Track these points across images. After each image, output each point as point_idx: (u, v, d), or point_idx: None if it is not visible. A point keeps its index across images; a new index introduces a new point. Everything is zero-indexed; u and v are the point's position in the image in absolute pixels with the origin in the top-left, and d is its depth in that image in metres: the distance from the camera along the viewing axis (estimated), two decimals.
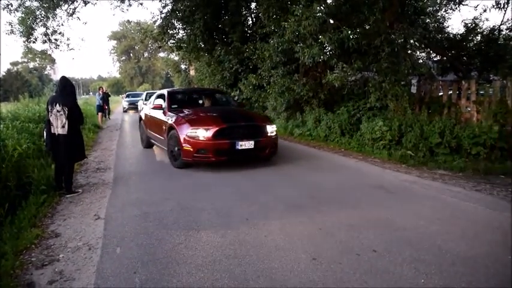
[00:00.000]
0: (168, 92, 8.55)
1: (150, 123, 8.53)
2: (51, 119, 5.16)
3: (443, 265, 2.99)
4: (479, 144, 6.69)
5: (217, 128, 6.34)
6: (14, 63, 69.14)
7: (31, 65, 71.57)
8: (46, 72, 74.50)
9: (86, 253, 3.36)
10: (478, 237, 3.57)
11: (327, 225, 3.90)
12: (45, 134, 5.44)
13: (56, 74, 71.61)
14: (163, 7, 15.67)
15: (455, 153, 6.89)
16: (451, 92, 8.53)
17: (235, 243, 3.45)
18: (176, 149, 6.69)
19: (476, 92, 7.77)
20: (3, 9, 12.73)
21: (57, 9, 13.38)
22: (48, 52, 15.58)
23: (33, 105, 12.24)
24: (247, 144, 6.46)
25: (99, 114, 16.07)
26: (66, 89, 5.38)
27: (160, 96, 8.74)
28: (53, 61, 58.27)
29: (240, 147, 6.40)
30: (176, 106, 7.81)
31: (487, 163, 6.36)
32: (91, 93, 69.12)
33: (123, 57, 70.20)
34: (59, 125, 5.14)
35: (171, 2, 15.49)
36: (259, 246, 3.39)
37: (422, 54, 12.17)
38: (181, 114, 7.07)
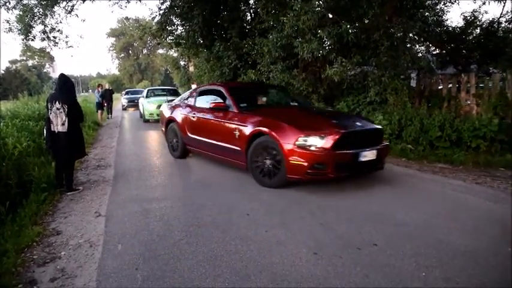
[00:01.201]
0: (229, 87, 6.65)
1: (199, 127, 6.62)
2: (51, 116, 5.16)
3: (444, 258, 3.00)
4: (479, 137, 6.69)
5: (338, 135, 4.75)
6: (12, 61, 68.93)
7: (30, 62, 71.33)
8: (45, 70, 74.23)
9: (88, 250, 3.37)
10: (478, 230, 3.58)
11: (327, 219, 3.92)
12: (45, 132, 5.44)
13: (55, 72, 71.25)
14: (162, 3, 15.60)
15: (455, 147, 6.89)
16: (450, 85, 8.52)
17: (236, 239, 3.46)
18: (268, 163, 5.11)
19: (476, 85, 7.77)
20: (1, 6, 12.70)
21: (55, 7, 13.33)
22: (47, 50, 15.52)
23: (33, 103, 12.24)
24: (371, 155, 4.98)
25: (99, 111, 16.05)
26: (66, 87, 5.37)
27: (208, 92, 6.99)
28: (51, 59, 58.00)
29: (363, 159, 4.91)
30: (245, 105, 6.16)
31: (487, 156, 6.37)
32: (90, 90, 68.99)
33: (122, 54, 69.98)
34: (59, 122, 5.14)
35: None
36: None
37: (422, 47, 12.13)
38: (270, 117, 5.47)
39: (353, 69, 8.95)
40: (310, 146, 4.73)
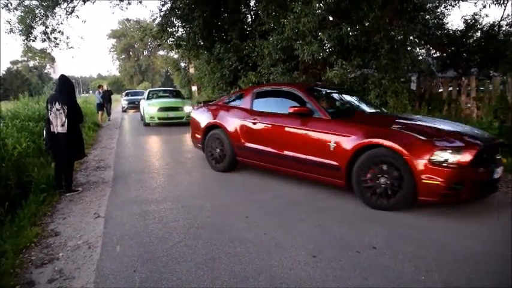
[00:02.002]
0: (307, 88, 5.66)
1: (263, 136, 5.59)
2: (50, 117, 5.16)
3: (444, 262, 2.99)
4: None
5: (476, 149, 4.01)
6: (13, 62, 69.06)
7: (31, 63, 71.39)
8: (46, 71, 74.35)
9: (86, 252, 3.36)
10: (478, 233, 3.57)
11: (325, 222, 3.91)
12: (45, 133, 5.44)
13: (55, 73, 71.39)
14: (163, 5, 15.64)
15: None
16: (451, 88, 8.53)
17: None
18: (383, 181, 4.21)
19: (476, 88, 7.78)
20: (3, 7, 12.73)
21: (56, 8, 13.37)
22: (48, 51, 15.60)
23: (33, 104, 12.24)
24: (500, 171, 4.30)
25: (100, 112, 15.98)
26: (66, 88, 5.36)
27: (271, 94, 6.08)
28: (52, 60, 58.03)
29: (496, 176, 4.23)
30: (333, 111, 5.28)
31: None
32: (91, 91, 69.06)
33: (123, 56, 70.06)
34: (59, 123, 5.14)
35: (170, 0, 15.46)
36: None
37: (422, 50, 12.15)
38: (380, 125, 4.72)
39: (353, 71, 8.96)
40: (446, 162, 3.90)
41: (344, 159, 4.48)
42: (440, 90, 8.76)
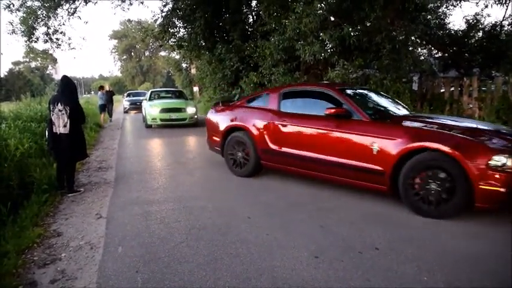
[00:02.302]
0: (340, 88, 5.35)
1: (294, 138, 5.26)
2: (53, 118, 5.17)
3: (445, 263, 2.98)
4: None
5: None
6: (15, 63, 69.25)
7: (33, 64, 71.57)
8: (48, 72, 74.52)
9: (88, 252, 3.37)
10: (480, 234, 3.56)
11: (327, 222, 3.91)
12: (47, 134, 5.45)
13: (57, 74, 71.53)
14: (164, 6, 15.66)
15: None
16: (452, 88, 8.52)
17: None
18: (434, 187, 3.96)
19: (478, 89, 7.77)
20: (5, 9, 12.77)
21: (58, 9, 13.43)
22: (50, 51, 15.66)
23: (35, 105, 12.26)
24: None
25: (102, 113, 15.92)
26: (68, 89, 5.37)
27: (301, 94, 5.77)
28: (54, 60, 58.14)
29: None
30: (371, 112, 4.96)
31: None
32: (92, 92, 69.20)
33: (124, 56, 70.17)
34: (61, 124, 5.15)
35: (171, 1, 15.48)
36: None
37: (424, 50, 12.16)
38: (426, 127, 4.45)
39: (355, 72, 8.97)
40: (504, 165, 3.65)
41: (389, 164, 4.22)
42: (442, 91, 8.75)
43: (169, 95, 16.59)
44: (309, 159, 5.05)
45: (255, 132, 5.71)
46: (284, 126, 5.37)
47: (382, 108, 5.41)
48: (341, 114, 4.74)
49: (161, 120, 13.26)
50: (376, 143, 4.34)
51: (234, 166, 6.09)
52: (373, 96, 5.86)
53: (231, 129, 6.13)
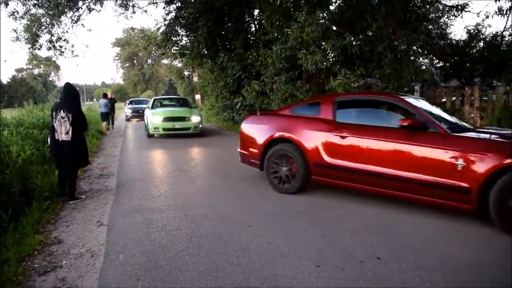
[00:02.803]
0: (407, 99, 5.05)
1: (357, 151, 4.79)
2: (55, 125, 5.19)
3: (448, 272, 2.97)
4: None
5: None
6: (19, 70, 69.56)
7: (36, 71, 71.97)
8: (50, 79, 74.87)
9: (89, 260, 3.36)
10: (481, 243, 3.54)
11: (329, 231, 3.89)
12: (49, 140, 5.47)
13: (60, 81, 71.98)
14: (167, 14, 15.83)
15: None
16: (454, 98, 8.53)
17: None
18: None
19: (480, 98, 7.77)
20: (9, 16, 12.89)
21: (62, 17, 13.58)
22: (53, 59, 15.77)
23: (38, 112, 12.30)
24: None
25: (104, 122, 15.81)
26: (71, 96, 5.40)
27: (360, 104, 5.48)
28: (57, 67, 58.57)
29: None
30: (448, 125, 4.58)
31: None
32: (95, 99, 69.40)
33: (127, 64, 70.49)
34: (63, 131, 5.17)
35: (174, 9, 15.64)
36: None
37: (425, 60, 12.21)
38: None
39: (357, 81, 9.00)
40: None
41: (476, 181, 3.86)
42: (443, 100, 8.76)
43: (173, 103, 15.88)
44: (375, 174, 4.60)
45: (305, 144, 5.19)
46: (343, 138, 4.89)
47: (450, 120, 5.05)
48: (416, 126, 4.39)
49: (164, 129, 12.58)
50: (462, 158, 3.98)
51: (277, 182, 5.51)
52: (428, 105, 5.34)
53: (273, 141, 5.59)
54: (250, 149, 5.98)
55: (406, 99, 4.88)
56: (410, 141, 4.35)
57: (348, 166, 4.83)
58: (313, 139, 5.15)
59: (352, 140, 4.84)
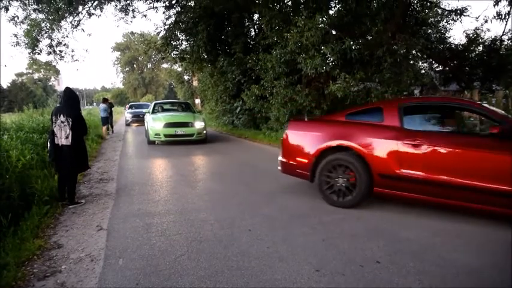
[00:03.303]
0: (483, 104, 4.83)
1: (433, 162, 4.39)
2: (55, 129, 5.19)
3: (448, 276, 2.96)
4: None
5: None
6: (19, 74, 69.68)
7: (36, 75, 72.13)
8: (50, 83, 75.01)
9: (88, 264, 3.35)
10: (484, 248, 3.54)
11: (329, 235, 3.89)
12: (49, 145, 5.47)
13: (60, 85, 72.17)
14: (167, 19, 15.89)
15: None
16: None
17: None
18: None
19: (479, 102, 7.77)
20: (9, 21, 12.94)
21: (62, 21, 13.62)
22: (53, 63, 15.79)
23: (37, 116, 12.31)
24: None
25: (104, 127, 15.81)
26: (71, 100, 5.40)
27: (430, 109, 5.16)
28: (57, 72, 58.78)
29: None
30: None
31: None
32: (94, 103, 69.50)
33: (127, 68, 70.68)
34: (63, 135, 5.17)
35: (174, 14, 15.70)
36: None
37: (425, 64, 12.25)
38: None
39: (356, 85, 9.01)
40: None
41: None
42: None
43: (175, 108, 15.12)
44: (455, 187, 4.19)
45: (369, 153, 4.71)
46: (417, 146, 4.46)
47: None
48: (506, 135, 4.03)
49: (165, 135, 11.77)
50: None
51: (332, 194, 4.99)
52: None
53: (327, 150, 5.05)
54: (298, 159, 5.38)
55: (487, 106, 4.60)
56: (501, 150, 3.99)
57: (421, 177, 4.39)
58: (378, 148, 4.69)
59: (427, 149, 4.41)
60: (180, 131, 11.79)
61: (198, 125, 12.13)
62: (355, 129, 4.99)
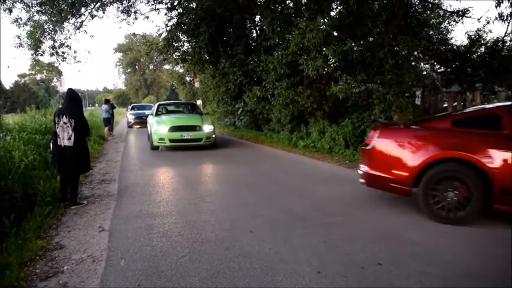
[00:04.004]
0: None
1: None
2: (57, 130, 5.21)
3: (450, 279, 2.96)
4: None
5: None
6: (21, 75, 69.83)
7: (38, 77, 72.30)
8: (53, 84, 75.20)
9: (90, 265, 3.36)
10: (486, 250, 3.53)
11: (331, 237, 3.89)
12: (51, 146, 5.49)
13: (62, 86, 72.34)
14: (169, 20, 15.92)
15: None
16: (455, 103, 8.54)
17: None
18: None
19: (481, 103, 7.77)
20: (12, 23, 12.99)
21: (65, 23, 13.67)
22: (55, 64, 15.83)
23: (40, 117, 12.34)
24: None
25: (107, 127, 15.82)
26: (73, 101, 5.43)
27: None
28: (59, 73, 58.86)
29: None
30: None
31: None
32: (96, 104, 69.62)
33: (129, 70, 70.76)
34: (65, 136, 5.19)
35: (176, 16, 15.73)
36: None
37: (426, 65, 12.22)
38: None
39: (358, 86, 9.01)
40: None
41: None
42: (445, 105, 8.77)
43: (180, 109, 14.03)
44: None
45: (490, 166, 4.12)
46: None
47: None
48: None
49: (170, 140, 10.72)
50: None
51: (441, 209, 4.41)
52: None
53: (435, 162, 4.46)
54: (395, 171, 4.75)
55: None
56: None
57: None
58: (503, 160, 4.10)
59: None
60: (187, 135, 10.75)
61: (207, 128, 11.08)
62: (472, 139, 4.42)
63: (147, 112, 15.08)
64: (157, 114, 12.33)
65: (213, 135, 11.37)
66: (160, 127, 10.86)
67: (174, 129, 10.77)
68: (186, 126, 10.97)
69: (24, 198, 5.02)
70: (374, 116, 8.79)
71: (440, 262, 3.25)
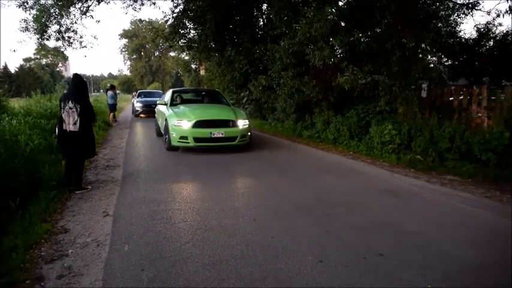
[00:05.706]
0: None
1: None
2: (63, 115, 5.23)
3: (451, 272, 2.97)
4: (489, 150, 6.61)
5: None
6: (27, 59, 69.93)
7: (43, 61, 72.39)
8: (58, 69, 75.30)
9: (95, 249, 3.40)
10: (486, 244, 3.54)
11: (333, 227, 3.90)
12: (57, 130, 5.52)
13: (67, 71, 72.42)
14: (175, 7, 15.80)
15: (464, 159, 6.83)
16: (462, 97, 8.47)
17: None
18: None
19: (488, 98, 7.70)
20: (18, 7, 12.96)
21: (71, 7, 13.60)
22: (61, 49, 15.80)
23: (45, 102, 12.39)
24: None
25: (112, 113, 15.88)
26: (79, 87, 5.43)
27: None
28: (65, 58, 58.86)
29: None
30: None
31: (497, 169, 6.29)
32: (101, 90, 69.65)
33: (134, 56, 70.55)
34: (71, 122, 5.21)
35: (183, 2, 15.60)
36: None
37: (434, 58, 12.09)
38: None
39: (364, 77, 8.94)
40: None
41: None
42: (451, 99, 8.70)
43: (199, 98, 11.53)
44: None
45: None
46: None
47: None
48: None
49: (196, 140, 8.18)
50: None
51: None
52: None
53: None
54: None
55: None
56: None
57: None
58: None
59: None
60: (217, 132, 8.23)
61: (242, 123, 8.62)
62: None
63: (156, 100, 13.51)
64: (173, 104, 9.83)
65: (249, 133, 8.96)
66: (182, 121, 8.28)
67: (201, 124, 8.25)
68: (216, 121, 8.50)
69: (30, 182, 5.06)
70: (379, 107, 8.76)
71: (442, 257, 3.27)
